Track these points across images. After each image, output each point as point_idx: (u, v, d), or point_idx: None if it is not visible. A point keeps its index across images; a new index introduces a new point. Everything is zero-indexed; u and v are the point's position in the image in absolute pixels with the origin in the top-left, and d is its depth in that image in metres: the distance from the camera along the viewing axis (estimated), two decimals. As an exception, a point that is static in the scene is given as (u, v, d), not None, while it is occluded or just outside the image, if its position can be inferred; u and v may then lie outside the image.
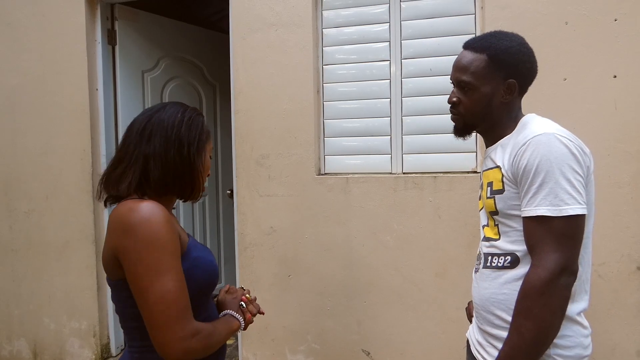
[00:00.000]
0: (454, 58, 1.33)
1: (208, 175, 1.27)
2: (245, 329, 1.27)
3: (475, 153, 2.43)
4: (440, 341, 2.43)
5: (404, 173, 2.54)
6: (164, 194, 1.15)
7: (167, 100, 2.75)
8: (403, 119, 2.54)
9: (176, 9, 3.90)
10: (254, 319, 1.31)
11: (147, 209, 1.05)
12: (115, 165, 1.16)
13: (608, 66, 2.16)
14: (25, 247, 3.11)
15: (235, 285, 2.80)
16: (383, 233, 2.50)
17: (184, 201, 1.28)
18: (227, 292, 1.35)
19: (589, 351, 1.17)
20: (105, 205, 1.19)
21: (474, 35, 2.38)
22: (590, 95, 2.18)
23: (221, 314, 1.27)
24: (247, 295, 1.34)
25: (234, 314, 1.26)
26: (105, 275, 1.17)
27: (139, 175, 1.13)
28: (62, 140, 3.01)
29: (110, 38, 3.07)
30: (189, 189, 1.20)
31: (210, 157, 1.26)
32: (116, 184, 1.14)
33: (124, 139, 1.18)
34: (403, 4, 2.52)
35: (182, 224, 3.39)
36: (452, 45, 2.42)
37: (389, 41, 2.55)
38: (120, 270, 1.07)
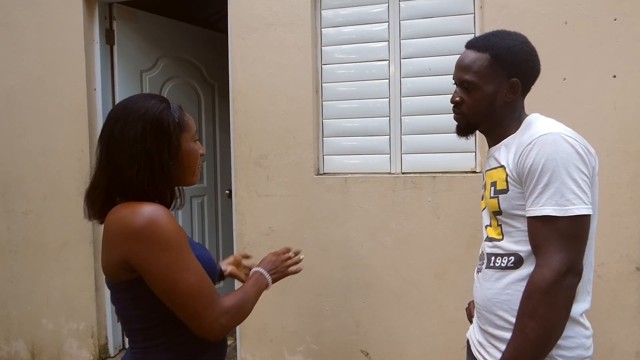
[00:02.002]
0: (453, 58, 1.33)
1: (202, 154, 1.23)
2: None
3: (474, 153, 2.43)
4: (439, 342, 2.43)
5: (402, 173, 2.53)
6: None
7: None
8: (402, 119, 2.54)
9: (175, 8, 3.88)
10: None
11: (150, 211, 1.05)
12: (92, 184, 1.16)
13: (607, 66, 2.15)
14: (23, 247, 3.10)
15: (235, 286, 2.79)
16: (382, 233, 2.49)
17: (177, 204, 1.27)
18: (274, 253, 1.40)
19: (590, 352, 1.17)
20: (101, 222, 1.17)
21: (473, 35, 2.38)
22: (589, 95, 2.18)
23: (252, 270, 1.31)
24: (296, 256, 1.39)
25: (264, 272, 1.30)
26: (103, 276, 1.15)
27: (105, 197, 1.13)
28: (61, 141, 3.00)
29: (108, 38, 3.06)
30: (158, 199, 1.15)
31: (195, 140, 1.20)
32: (93, 206, 1.15)
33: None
34: (402, 4, 2.52)
35: (180, 224, 3.38)
36: (451, 44, 2.41)
37: (388, 41, 2.55)
38: (124, 274, 1.07)
